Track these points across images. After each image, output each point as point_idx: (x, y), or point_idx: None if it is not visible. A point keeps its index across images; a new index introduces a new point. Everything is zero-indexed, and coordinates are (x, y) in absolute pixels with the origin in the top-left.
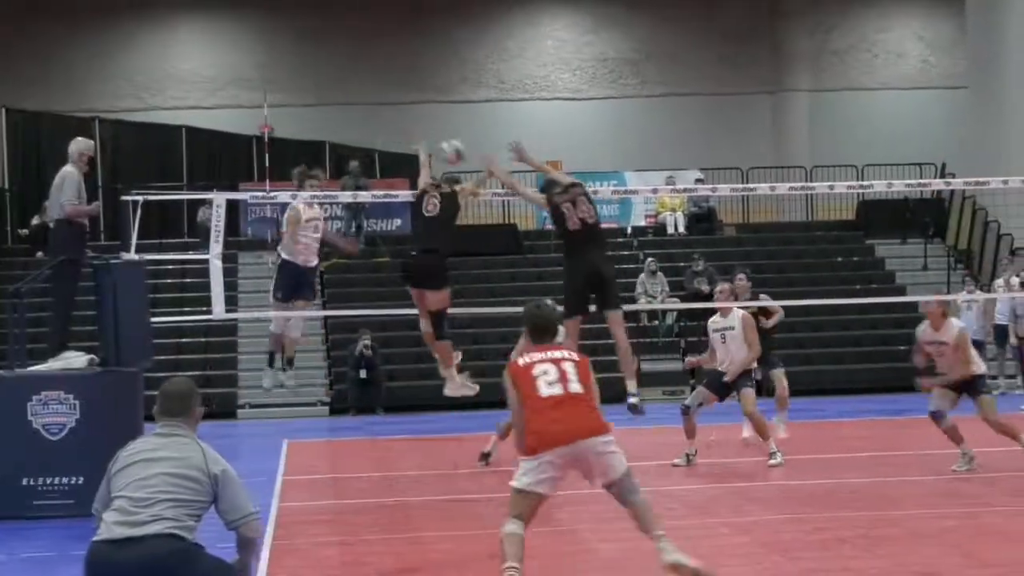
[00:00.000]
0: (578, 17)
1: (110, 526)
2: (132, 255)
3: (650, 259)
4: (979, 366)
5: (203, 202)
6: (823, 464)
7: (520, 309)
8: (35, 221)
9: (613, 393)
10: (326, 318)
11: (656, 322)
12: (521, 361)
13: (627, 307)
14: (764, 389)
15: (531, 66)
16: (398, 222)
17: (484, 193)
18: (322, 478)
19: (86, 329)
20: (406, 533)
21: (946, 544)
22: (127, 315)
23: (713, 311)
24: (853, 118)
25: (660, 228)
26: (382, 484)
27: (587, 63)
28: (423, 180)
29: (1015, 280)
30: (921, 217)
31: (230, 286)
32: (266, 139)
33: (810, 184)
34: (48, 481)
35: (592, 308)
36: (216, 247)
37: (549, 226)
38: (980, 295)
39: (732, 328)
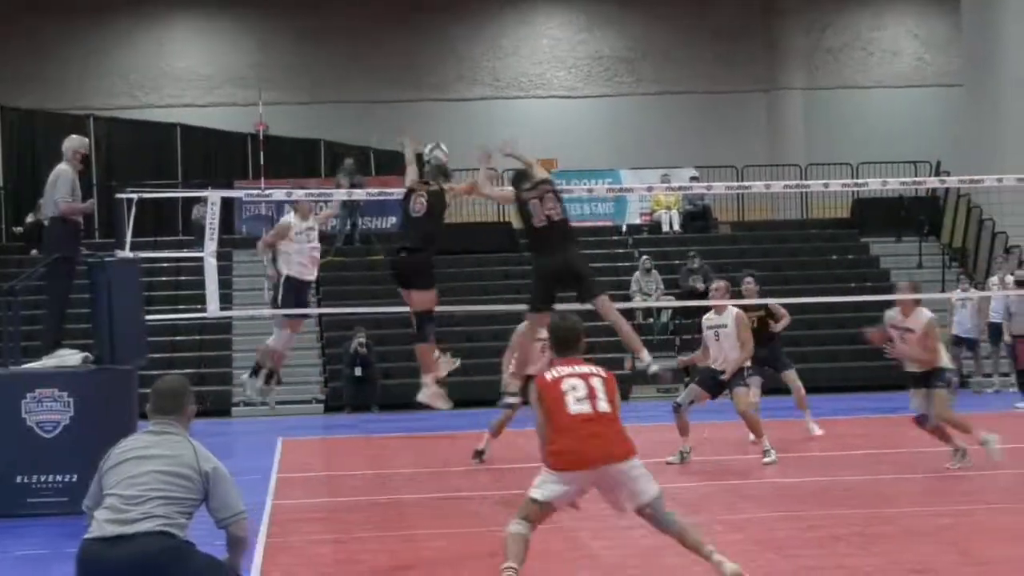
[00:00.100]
0: (572, 15)
1: (101, 524)
2: (127, 253)
3: (645, 257)
4: (943, 359)
5: (198, 200)
6: (817, 462)
7: (513, 307)
8: (29, 219)
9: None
10: (321, 316)
11: (651, 320)
12: (548, 375)
13: (622, 305)
14: (778, 390)
15: (526, 64)
16: (393, 220)
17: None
18: (316, 476)
19: (80, 327)
20: (400, 531)
21: (941, 541)
22: (121, 313)
23: (708, 308)
24: (848, 116)
25: (655, 226)
26: (376, 482)
27: (582, 61)
28: (410, 177)
29: (1009, 278)
30: (916, 215)
31: (225, 284)
32: (261, 137)
33: (805, 182)
34: (42, 479)
35: (558, 304)
36: (211, 245)
37: None
38: (975, 293)
39: (725, 326)
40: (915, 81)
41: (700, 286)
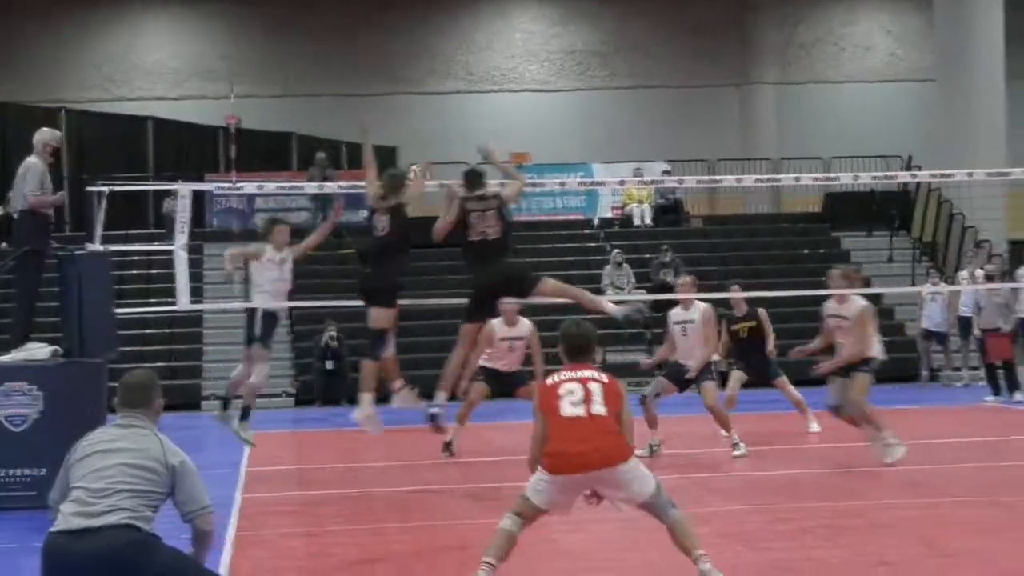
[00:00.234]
0: (546, 9)
1: (67, 517)
2: (97, 246)
3: (616, 251)
4: (873, 348)
5: (169, 193)
6: (786, 455)
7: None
8: None
9: None
10: (292, 309)
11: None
12: (550, 380)
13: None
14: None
15: (499, 58)
16: (365, 213)
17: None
18: (287, 469)
19: (50, 320)
20: (370, 524)
21: (907, 534)
22: (91, 306)
23: (675, 303)
24: (820, 111)
25: (627, 220)
26: (347, 475)
27: (555, 55)
28: (371, 188)
29: (979, 272)
30: (887, 209)
31: (195, 277)
32: (233, 130)
33: (776, 176)
34: (11, 473)
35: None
36: (181, 238)
37: (518, 217)
38: (945, 287)
39: (692, 321)
40: (887, 76)
41: (671, 280)
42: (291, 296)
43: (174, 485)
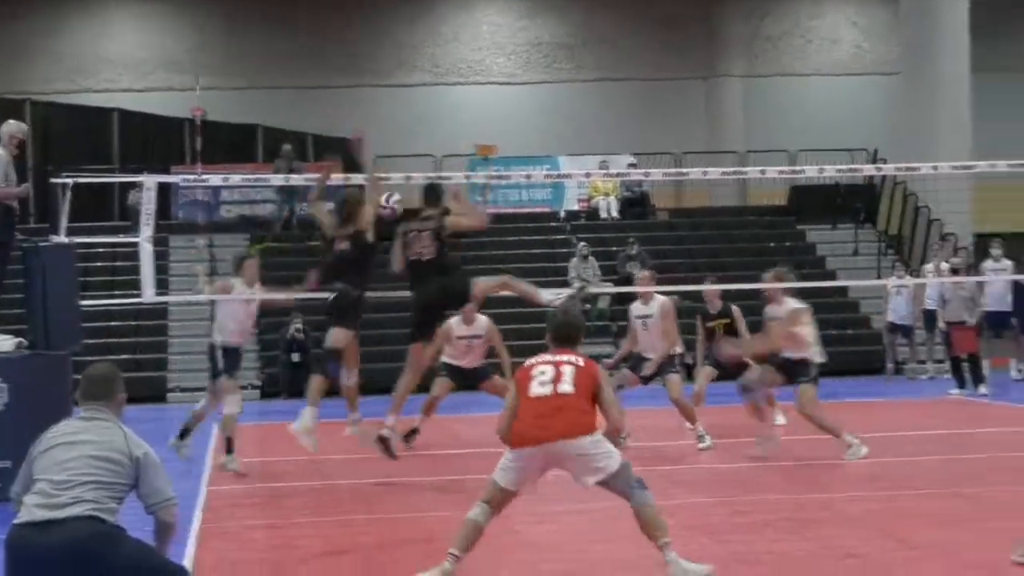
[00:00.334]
0: (513, 2)
1: (31, 509)
2: (62, 238)
3: (583, 244)
4: (813, 351)
5: (134, 185)
6: (750, 448)
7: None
8: None
9: None
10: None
11: (588, 306)
12: (528, 362)
13: (562, 291)
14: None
15: (466, 50)
16: (331, 206)
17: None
18: (251, 461)
19: (14, 312)
20: (336, 516)
21: (871, 527)
22: (56, 298)
23: (636, 296)
24: (786, 104)
25: (593, 212)
26: (311, 467)
27: (522, 48)
28: (325, 223)
29: (944, 265)
30: (852, 202)
31: (161, 269)
32: (198, 122)
33: (742, 169)
34: None
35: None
36: (147, 230)
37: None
38: (910, 280)
39: (651, 316)
40: (853, 69)
41: (638, 272)
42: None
43: (138, 477)
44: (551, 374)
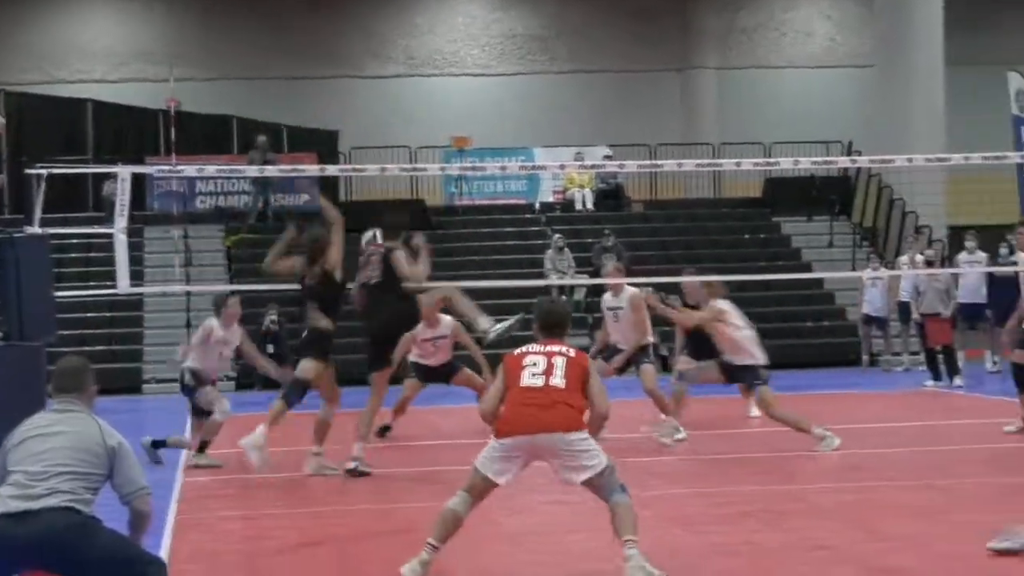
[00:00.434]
0: None
1: (6, 500)
2: (36, 229)
3: (558, 235)
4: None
5: (109, 176)
6: (726, 439)
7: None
8: None
9: None
10: (233, 292)
11: (564, 298)
12: (518, 351)
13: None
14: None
15: (440, 42)
16: (305, 197)
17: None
18: (226, 452)
19: None
20: (310, 508)
21: (846, 519)
22: (30, 290)
23: (605, 289)
24: (761, 96)
25: (568, 204)
26: (286, 459)
27: (496, 39)
28: (295, 267)
29: (919, 258)
30: (827, 195)
31: (135, 260)
32: (173, 113)
33: (717, 161)
34: None
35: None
36: (121, 221)
37: (459, 201)
38: (885, 272)
39: (621, 308)
40: (827, 62)
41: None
42: (232, 280)
43: (112, 467)
44: (543, 365)
